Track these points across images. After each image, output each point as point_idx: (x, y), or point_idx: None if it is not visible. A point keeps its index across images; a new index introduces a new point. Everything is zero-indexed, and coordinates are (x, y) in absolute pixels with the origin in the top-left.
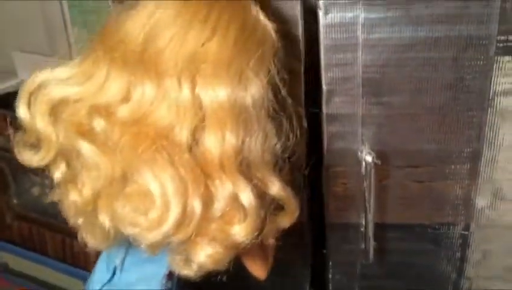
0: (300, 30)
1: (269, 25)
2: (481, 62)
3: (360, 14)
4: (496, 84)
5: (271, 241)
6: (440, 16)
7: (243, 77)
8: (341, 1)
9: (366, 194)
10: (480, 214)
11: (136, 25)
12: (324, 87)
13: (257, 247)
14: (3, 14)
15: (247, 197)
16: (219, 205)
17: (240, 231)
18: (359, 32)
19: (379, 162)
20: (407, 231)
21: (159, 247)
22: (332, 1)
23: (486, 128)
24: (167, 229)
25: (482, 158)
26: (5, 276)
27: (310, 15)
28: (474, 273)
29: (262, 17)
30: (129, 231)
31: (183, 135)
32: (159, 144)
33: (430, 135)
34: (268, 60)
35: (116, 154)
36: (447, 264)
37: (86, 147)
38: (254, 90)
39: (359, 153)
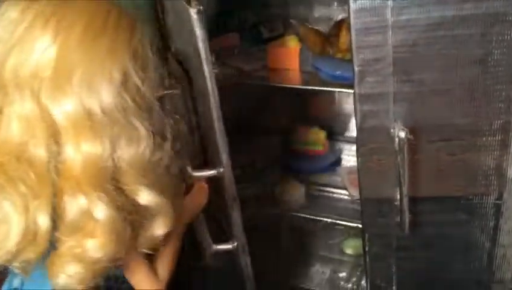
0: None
1: (129, 22)
2: (509, 37)
3: None
4: None
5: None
6: None
7: (93, 82)
8: None
9: (400, 169)
10: None
11: None
12: (356, 68)
13: (139, 262)
14: None
15: (100, 210)
16: (71, 219)
17: (94, 246)
18: (388, 15)
19: (412, 137)
20: (441, 203)
21: (21, 267)
22: None
23: None
24: (11, 246)
25: None
26: None
27: None
28: (507, 241)
29: (120, 15)
30: None
31: (37, 150)
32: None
33: (461, 109)
34: (124, 60)
35: None
36: (481, 234)
37: None
38: (106, 95)
39: (391, 130)
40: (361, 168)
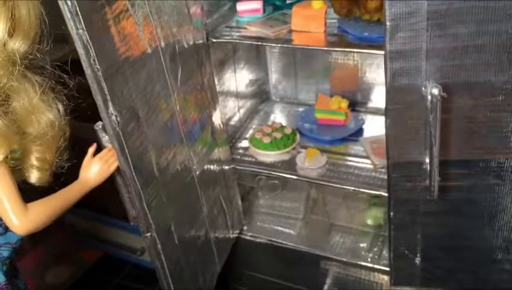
0: None
1: None
2: None
3: None
4: None
5: None
6: None
7: None
8: None
9: (432, 129)
10: None
11: None
12: (387, 23)
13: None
14: None
15: None
16: None
17: None
18: None
19: (445, 95)
20: (471, 166)
21: None
22: None
23: None
24: None
25: None
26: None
27: None
28: None
29: None
30: None
31: None
32: None
33: (496, 66)
34: None
35: None
36: (511, 199)
37: None
38: None
39: (423, 89)
40: (390, 129)
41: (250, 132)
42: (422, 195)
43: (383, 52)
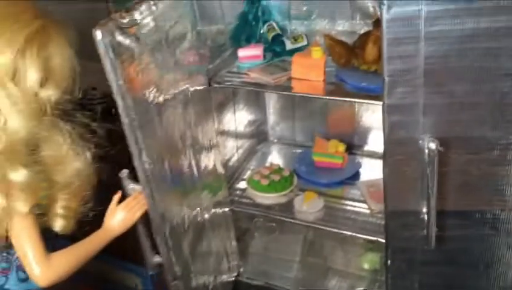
0: None
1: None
2: None
3: (423, 8)
4: None
5: None
6: (502, 7)
7: None
8: None
9: (429, 181)
10: None
11: None
12: (386, 78)
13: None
14: None
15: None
16: None
17: None
18: (421, 26)
19: (442, 149)
20: (467, 217)
21: None
22: None
23: None
24: None
25: None
26: None
27: None
28: None
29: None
30: None
31: None
32: None
33: (491, 123)
34: None
35: None
36: (507, 250)
37: None
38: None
39: (420, 142)
40: (388, 179)
41: (248, 173)
42: (420, 244)
43: (381, 103)
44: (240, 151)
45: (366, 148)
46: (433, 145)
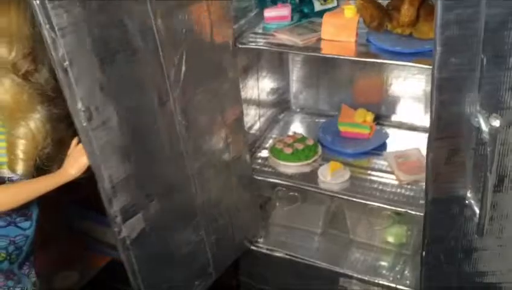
0: None
1: None
2: None
3: None
4: None
5: None
6: None
7: None
8: None
9: (488, 163)
10: None
11: None
12: (438, 48)
13: None
14: None
15: None
16: None
17: None
18: None
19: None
20: None
21: None
22: None
23: None
24: None
25: None
26: None
27: None
28: None
29: None
30: None
31: None
32: None
33: None
34: None
35: None
36: None
37: None
38: None
39: (476, 119)
40: (432, 164)
41: (270, 141)
42: (462, 233)
43: (427, 66)
44: (262, 119)
45: (394, 118)
46: (496, 123)
